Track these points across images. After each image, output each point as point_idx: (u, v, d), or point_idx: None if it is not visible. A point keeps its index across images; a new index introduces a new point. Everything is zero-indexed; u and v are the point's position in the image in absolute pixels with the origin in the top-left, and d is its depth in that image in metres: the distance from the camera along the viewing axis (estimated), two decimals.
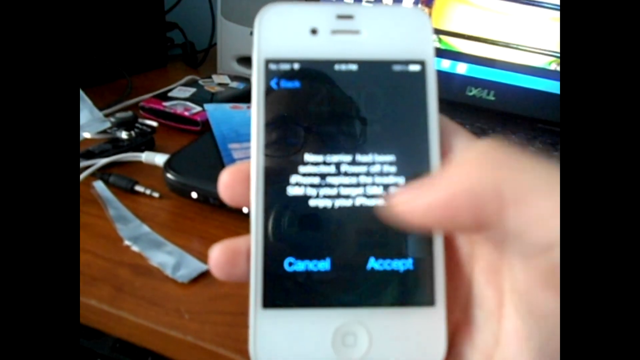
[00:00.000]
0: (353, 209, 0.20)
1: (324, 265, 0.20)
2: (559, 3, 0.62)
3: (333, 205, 0.20)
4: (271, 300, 0.20)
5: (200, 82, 0.76)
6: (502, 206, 0.17)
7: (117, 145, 0.58)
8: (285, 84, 0.21)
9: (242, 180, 0.20)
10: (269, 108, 0.21)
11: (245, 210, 0.47)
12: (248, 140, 0.61)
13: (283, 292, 0.20)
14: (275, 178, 0.20)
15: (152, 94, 0.72)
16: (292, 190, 0.20)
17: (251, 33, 0.89)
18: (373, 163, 0.20)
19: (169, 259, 0.42)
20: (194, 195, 0.49)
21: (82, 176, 0.52)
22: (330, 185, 0.20)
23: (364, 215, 0.20)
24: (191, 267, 0.42)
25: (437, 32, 0.67)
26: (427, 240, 0.20)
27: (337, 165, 0.20)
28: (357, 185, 0.20)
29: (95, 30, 0.77)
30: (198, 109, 0.66)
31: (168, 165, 0.50)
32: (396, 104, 0.21)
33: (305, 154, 0.20)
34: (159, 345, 0.38)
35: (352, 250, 0.20)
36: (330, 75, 0.21)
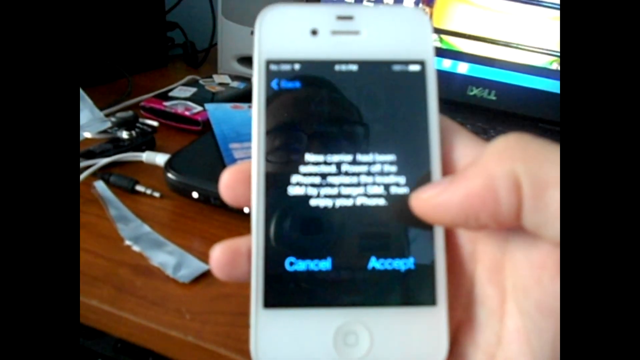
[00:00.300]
0: (354, 208, 0.20)
1: (325, 264, 0.20)
2: (559, 2, 0.62)
3: (334, 205, 0.20)
4: (272, 300, 0.20)
5: (201, 81, 0.76)
6: (519, 202, 0.17)
7: (118, 145, 0.58)
8: (286, 84, 0.21)
9: (243, 180, 0.20)
10: (270, 109, 0.21)
11: (246, 210, 0.47)
12: (249, 140, 0.61)
13: (284, 292, 0.20)
14: (276, 178, 0.20)
15: (153, 94, 0.72)
16: (292, 190, 0.20)
17: (252, 33, 0.89)
18: (374, 163, 0.20)
19: (169, 259, 0.42)
20: (195, 195, 0.49)
21: (82, 176, 0.52)
22: (331, 185, 0.20)
23: (365, 215, 0.20)
24: (192, 267, 0.42)
25: (438, 31, 0.67)
26: (428, 240, 0.20)
27: (338, 165, 0.20)
28: (358, 184, 0.20)
29: (96, 30, 0.77)
30: (199, 108, 0.66)
31: (169, 165, 0.50)
32: (396, 104, 0.21)
33: (306, 154, 0.20)
34: (160, 345, 0.38)
35: (353, 250, 0.20)
36: (330, 76, 0.21)
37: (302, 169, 0.20)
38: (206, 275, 0.41)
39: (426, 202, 0.19)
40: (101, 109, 0.66)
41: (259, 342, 0.19)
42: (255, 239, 0.20)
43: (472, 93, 0.67)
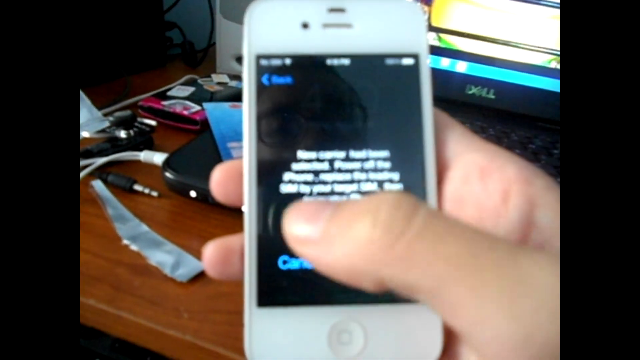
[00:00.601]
0: None
1: None
2: (558, 1, 0.62)
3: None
4: (266, 298, 0.19)
5: (199, 81, 0.76)
6: None
7: (116, 145, 0.58)
8: (277, 79, 0.20)
9: (235, 177, 0.20)
10: (261, 104, 0.20)
11: (243, 209, 0.47)
12: None
13: (277, 290, 0.19)
14: (268, 175, 0.20)
15: (151, 93, 0.72)
16: (285, 188, 0.20)
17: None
18: (367, 159, 0.20)
19: (167, 258, 0.42)
20: (193, 194, 0.49)
21: (80, 175, 0.52)
22: (324, 182, 0.20)
23: None
24: (190, 266, 0.42)
25: (437, 30, 0.67)
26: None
27: (331, 161, 0.20)
28: (351, 181, 0.20)
29: (94, 30, 0.77)
30: (197, 108, 0.66)
31: (167, 164, 0.50)
32: (390, 98, 0.20)
33: (298, 151, 0.20)
34: (158, 344, 0.37)
35: None
36: (322, 70, 0.20)
37: (295, 166, 0.20)
38: (204, 274, 0.41)
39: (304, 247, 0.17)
40: (99, 108, 0.65)
41: (252, 341, 0.19)
42: (248, 238, 0.20)
43: (471, 92, 0.67)
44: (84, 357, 0.55)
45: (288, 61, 0.20)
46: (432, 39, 0.67)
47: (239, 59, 0.87)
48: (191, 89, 0.72)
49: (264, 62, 0.20)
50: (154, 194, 0.51)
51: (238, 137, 0.56)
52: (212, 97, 0.70)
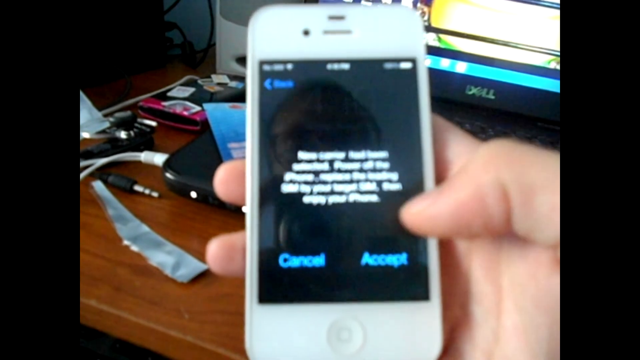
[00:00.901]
0: (347, 205, 0.20)
1: (319, 261, 0.20)
2: (558, 1, 0.62)
3: (327, 201, 0.20)
4: (267, 296, 0.20)
5: (200, 81, 0.76)
6: (508, 209, 0.18)
7: (116, 145, 0.58)
8: (279, 84, 0.21)
9: (237, 176, 0.20)
10: (263, 108, 0.21)
11: (244, 209, 0.47)
12: None
13: (278, 288, 0.20)
14: (270, 175, 0.20)
15: (151, 94, 0.72)
16: (286, 188, 0.20)
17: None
18: (366, 160, 0.21)
19: (168, 258, 0.42)
20: (193, 194, 0.49)
21: (81, 176, 0.52)
22: (324, 182, 0.20)
23: (358, 211, 0.20)
24: (191, 266, 0.42)
25: (437, 31, 0.67)
26: (421, 236, 0.20)
27: (331, 162, 0.21)
28: (351, 181, 0.20)
29: (95, 30, 0.77)
30: (197, 108, 0.66)
31: (167, 164, 0.50)
32: (389, 101, 0.21)
33: (299, 152, 0.21)
34: (159, 345, 0.37)
35: (346, 246, 0.20)
36: (323, 75, 0.21)
37: (295, 166, 0.20)
38: (205, 275, 0.41)
39: (417, 215, 0.19)
40: (99, 109, 0.66)
41: (253, 337, 0.20)
42: (250, 236, 0.20)
43: (470, 92, 0.67)
44: (84, 357, 0.55)
45: (290, 66, 0.21)
46: (432, 39, 0.67)
47: (239, 60, 0.87)
48: (191, 90, 0.72)
49: (266, 67, 0.21)
50: (155, 194, 0.51)
51: (238, 138, 0.56)
52: (212, 98, 0.70)
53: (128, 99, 0.73)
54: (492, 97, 0.66)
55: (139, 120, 0.60)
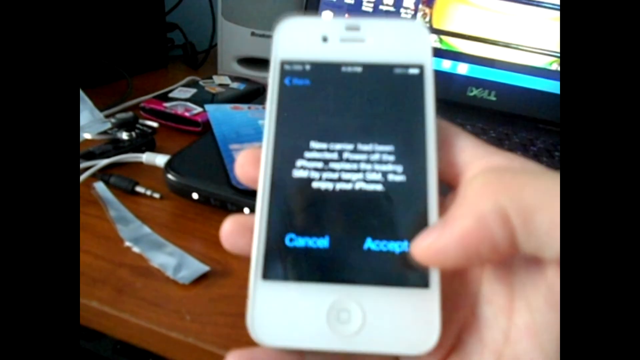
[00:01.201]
0: (353, 192, 0.22)
1: (323, 242, 0.21)
2: (559, 3, 0.62)
3: (334, 187, 0.22)
4: (270, 272, 0.21)
5: (201, 82, 0.76)
6: (512, 232, 0.18)
7: (118, 146, 0.58)
8: (297, 81, 0.23)
9: (254, 161, 0.22)
10: (282, 102, 0.23)
11: (246, 210, 0.47)
12: (249, 140, 0.61)
13: (282, 265, 0.21)
14: (283, 161, 0.22)
15: (153, 95, 0.72)
16: (297, 173, 0.22)
17: (252, 34, 0.89)
18: (373, 152, 0.22)
19: (169, 260, 0.42)
20: (195, 196, 0.49)
21: (82, 177, 0.52)
22: (333, 170, 0.22)
23: (363, 198, 0.21)
24: (192, 268, 0.42)
25: (438, 32, 0.67)
26: (423, 224, 0.21)
27: (340, 152, 0.22)
28: (358, 171, 0.22)
29: (96, 31, 0.77)
30: (199, 109, 0.66)
31: (169, 166, 0.50)
32: (397, 102, 0.23)
33: (311, 142, 0.22)
34: (160, 346, 0.37)
35: (350, 230, 0.21)
36: (337, 75, 0.23)
37: (307, 154, 0.22)
38: (206, 276, 0.41)
39: (427, 250, 0.19)
40: (101, 110, 0.66)
41: (255, 312, 0.20)
42: (259, 215, 0.21)
43: (472, 94, 0.67)
44: (85, 359, 0.55)
45: (308, 67, 0.23)
46: (434, 41, 0.67)
47: (241, 61, 0.87)
48: (193, 91, 0.72)
49: (287, 66, 0.23)
50: (156, 195, 0.51)
51: (240, 139, 0.56)
52: (213, 99, 0.70)
53: (129, 99, 0.73)
54: (494, 98, 0.66)
55: (141, 121, 0.60)
